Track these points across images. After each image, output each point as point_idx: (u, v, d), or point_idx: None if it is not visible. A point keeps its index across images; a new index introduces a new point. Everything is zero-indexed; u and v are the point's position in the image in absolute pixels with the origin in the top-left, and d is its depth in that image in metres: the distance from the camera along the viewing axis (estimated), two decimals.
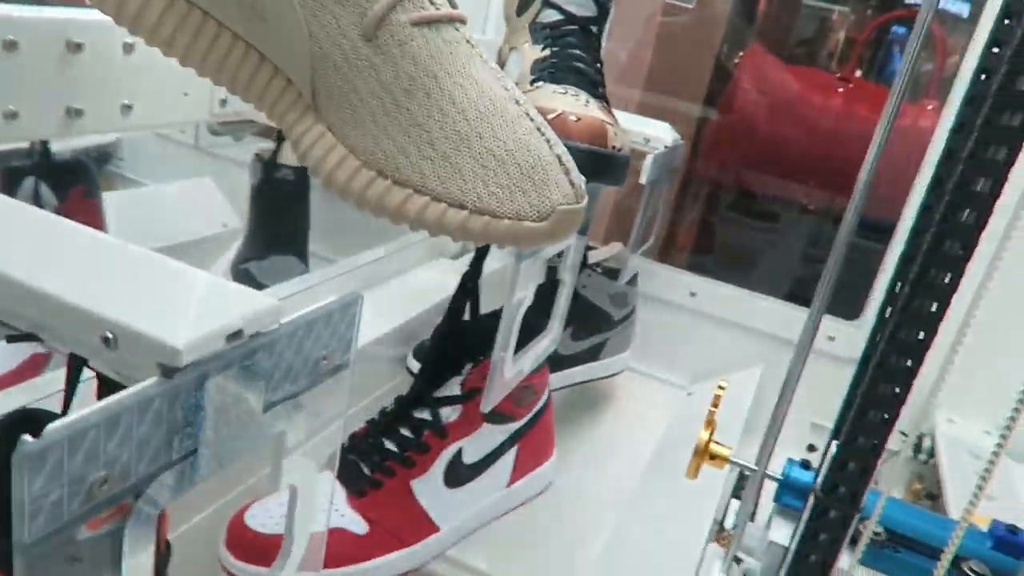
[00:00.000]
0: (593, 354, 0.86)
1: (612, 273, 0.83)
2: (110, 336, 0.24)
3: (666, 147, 0.75)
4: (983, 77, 0.41)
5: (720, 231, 1.34)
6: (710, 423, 0.49)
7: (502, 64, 0.65)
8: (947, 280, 0.36)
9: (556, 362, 0.82)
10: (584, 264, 0.83)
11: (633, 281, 0.86)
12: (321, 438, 0.34)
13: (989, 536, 0.47)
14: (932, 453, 0.86)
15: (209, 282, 0.26)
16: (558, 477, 0.70)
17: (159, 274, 0.26)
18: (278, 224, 0.89)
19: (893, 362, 0.37)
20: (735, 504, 0.58)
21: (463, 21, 0.36)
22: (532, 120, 0.35)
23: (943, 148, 0.47)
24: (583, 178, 0.36)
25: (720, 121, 1.23)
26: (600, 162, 0.53)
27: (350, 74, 0.34)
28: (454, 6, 0.36)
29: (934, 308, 0.37)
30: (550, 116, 0.53)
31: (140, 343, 0.23)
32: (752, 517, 0.53)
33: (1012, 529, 0.47)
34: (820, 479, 0.40)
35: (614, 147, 0.54)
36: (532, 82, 0.58)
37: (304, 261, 0.94)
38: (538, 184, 0.34)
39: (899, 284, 0.48)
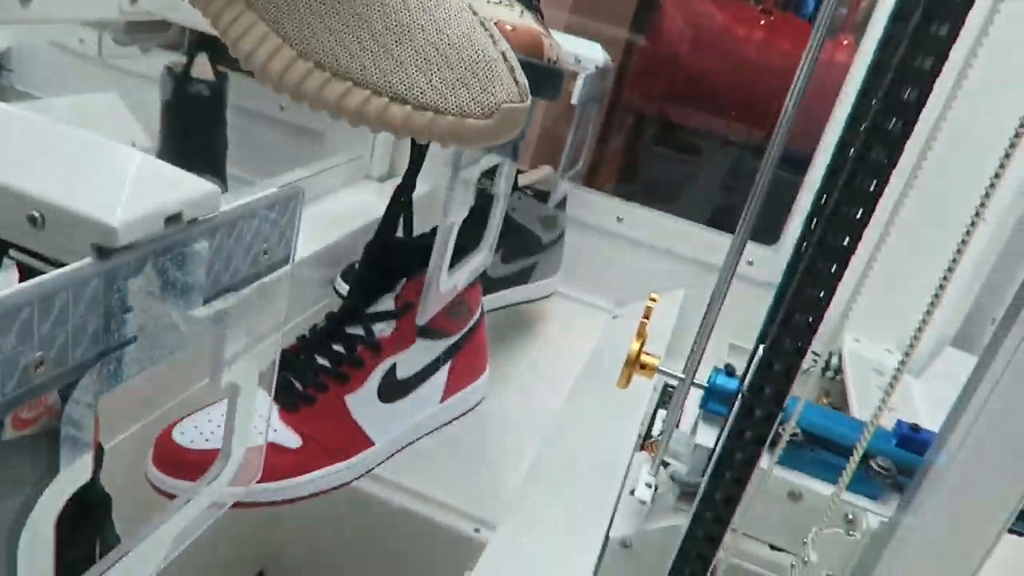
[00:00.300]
0: (523, 277, 0.86)
1: (542, 196, 0.83)
2: (37, 215, 0.22)
3: (597, 67, 0.75)
4: (898, 21, 0.42)
5: (644, 161, 1.36)
6: (641, 334, 0.50)
7: None
8: (859, 215, 0.38)
9: (486, 284, 0.82)
10: (514, 187, 0.83)
11: (562, 205, 0.87)
12: (258, 352, 0.33)
13: (894, 435, 0.51)
14: (839, 370, 0.91)
15: (146, 163, 0.25)
16: (488, 398, 0.71)
17: (92, 153, 0.25)
18: (192, 143, 0.85)
19: (819, 268, 0.39)
20: (661, 414, 0.60)
21: None
22: (475, 14, 0.34)
23: (859, 89, 0.48)
24: (525, 77, 0.35)
25: (646, 49, 1.23)
26: (536, 74, 0.52)
27: None
28: None
29: (846, 242, 0.38)
30: None
31: (72, 222, 0.22)
32: (677, 425, 0.55)
33: (914, 428, 0.50)
34: (747, 380, 0.42)
35: (549, 59, 0.54)
36: None
37: (222, 182, 0.90)
38: (482, 80, 0.33)
39: (815, 219, 0.50)
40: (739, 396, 0.43)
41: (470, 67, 0.33)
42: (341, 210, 0.88)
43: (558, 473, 0.64)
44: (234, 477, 0.33)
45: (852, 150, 0.38)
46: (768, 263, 0.92)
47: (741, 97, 1.19)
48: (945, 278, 0.39)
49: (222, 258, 0.27)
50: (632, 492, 0.53)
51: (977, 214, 0.38)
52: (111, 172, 0.24)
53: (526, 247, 0.84)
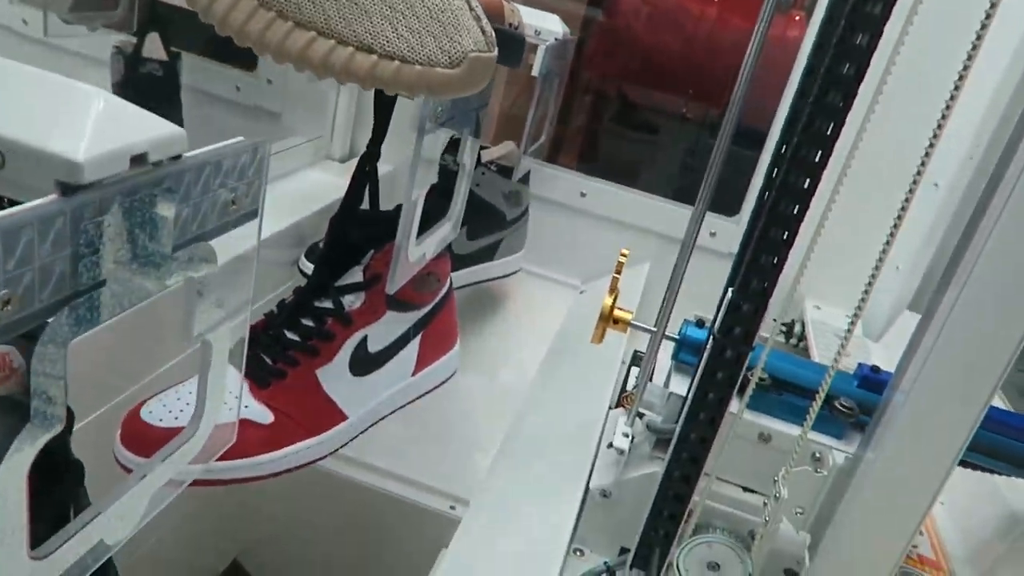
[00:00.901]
0: (489, 254, 0.86)
1: (505, 171, 0.83)
2: None
3: (557, 39, 0.75)
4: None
5: (605, 136, 1.36)
6: (614, 289, 0.50)
7: None
8: (806, 184, 0.39)
9: (453, 261, 0.82)
10: (477, 162, 0.82)
11: (526, 180, 0.87)
12: (228, 326, 0.32)
13: (855, 377, 0.52)
14: (802, 337, 0.93)
15: (111, 103, 0.24)
16: (458, 376, 0.71)
17: (55, 93, 0.24)
18: None
19: (782, 209, 0.40)
20: (635, 371, 0.61)
21: None
22: None
23: (805, 65, 0.49)
24: (491, 27, 0.35)
25: (603, 24, 1.24)
26: (498, 40, 0.52)
27: None
28: None
29: (796, 210, 0.40)
30: None
31: (35, 159, 0.21)
32: (650, 379, 0.56)
33: (874, 369, 0.52)
34: (718, 323, 0.43)
35: (510, 24, 0.53)
36: None
37: None
38: (448, 29, 0.33)
39: (767, 190, 0.51)
40: (710, 338, 0.44)
41: (436, 16, 0.33)
42: (302, 191, 0.87)
43: (532, 442, 0.64)
44: (198, 453, 0.32)
45: (799, 124, 0.39)
46: (730, 234, 0.94)
47: (696, 74, 1.20)
48: (887, 243, 0.40)
49: (190, 205, 0.26)
50: (610, 445, 0.54)
51: (915, 182, 0.39)
52: (75, 111, 0.23)
53: (491, 223, 0.84)
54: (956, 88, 0.40)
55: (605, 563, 0.54)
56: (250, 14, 0.32)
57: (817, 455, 0.50)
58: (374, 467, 0.70)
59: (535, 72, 0.72)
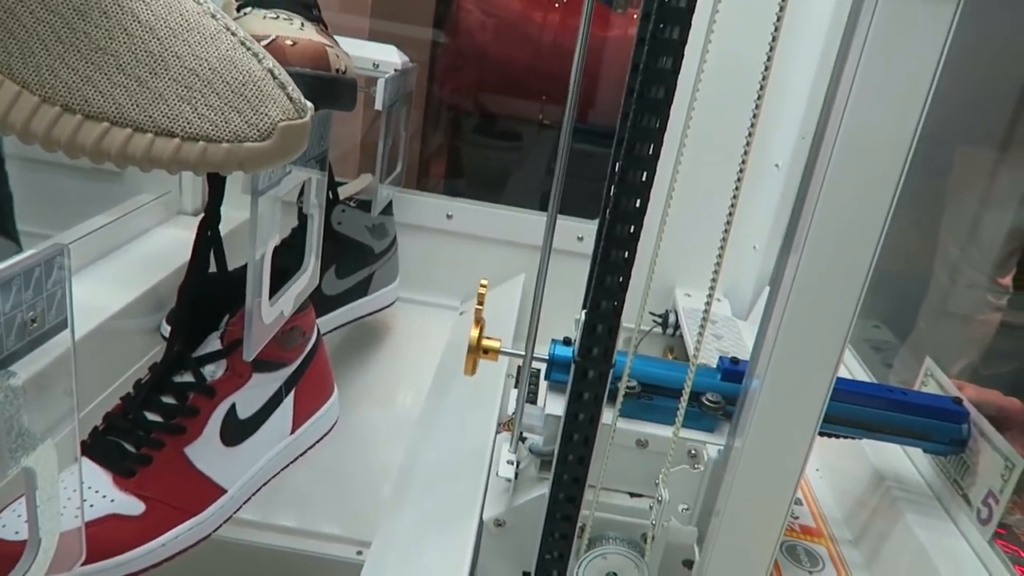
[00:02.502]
0: (361, 290, 0.85)
1: (365, 205, 0.82)
2: None
3: (396, 70, 0.75)
4: None
5: (468, 155, 1.37)
6: (478, 321, 0.51)
7: None
8: (643, 178, 0.40)
9: (325, 303, 0.80)
10: (336, 200, 0.81)
11: (388, 210, 0.86)
12: (48, 449, 0.30)
13: (718, 370, 0.54)
14: (678, 326, 0.96)
15: None
16: (345, 416, 0.69)
17: None
18: None
19: (618, 232, 0.41)
20: (514, 393, 0.61)
21: None
22: (235, 35, 0.33)
23: (631, 61, 0.51)
24: (300, 93, 0.34)
25: (449, 44, 1.24)
26: (324, 87, 0.51)
27: None
28: None
29: (637, 204, 0.41)
30: (263, 43, 0.50)
31: None
32: (534, 400, 0.57)
33: (734, 360, 0.54)
34: (576, 345, 0.44)
35: (337, 70, 0.53)
36: (239, 8, 0.54)
37: (14, 241, 0.82)
38: (252, 102, 0.32)
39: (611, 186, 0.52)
40: (572, 363, 0.44)
41: (237, 90, 0.32)
42: (156, 251, 0.84)
43: (425, 475, 0.64)
44: (50, 566, 0.30)
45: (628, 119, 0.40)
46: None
47: (545, 79, 1.23)
48: (727, 225, 0.42)
49: None
50: (498, 474, 0.54)
51: (741, 168, 0.41)
52: None
53: (359, 259, 0.83)
54: (766, 70, 0.42)
55: None
56: (33, 111, 0.30)
57: (692, 452, 0.52)
58: (272, 525, 0.67)
59: (378, 105, 0.72)
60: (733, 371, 0.53)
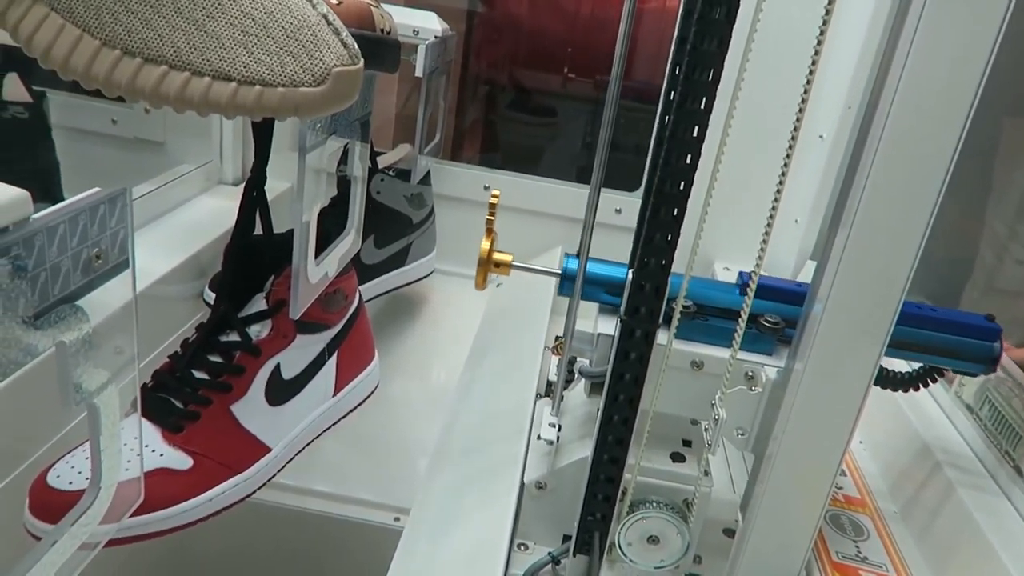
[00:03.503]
0: (399, 260, 0.85)
1: (404, 175, 0.82)
2: None
3: (436, 37, 0.74)
4: None
5: (504, 129, 1.37)
6: (490, 232, 0.51)
7: None
8: (695, 133, 0.39)
9: (363, 272, 0.81)
10: (375, 169, 0.81)
11: (427, 180, 0.86)
12: (113, 389, 0.31)
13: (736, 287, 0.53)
14: None
15: None
16: (383, 386, 0.70)
17: None
18: (17, 171, 0.79)
19: (668, 188, 0.40)
20: (555, 361, 0.61)
21: None
22: None
23: (676, 35, 0.50)
24: (352, 39, 0.34)
25: (485, 14, 1.24)
26: (369, 46, 0.51)
27: None
28: None
29: (681, 185, 0.40)
30: None
31: None
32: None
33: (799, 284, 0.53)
34: (623, 306, 0.44)
35: (382, 30, 0.52)
36: None
37: None
38: (307, 47, 0.32)
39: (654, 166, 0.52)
40: (619, 321, 0.44)
41: (292, 34, 0.32)
42: (198, 219, 0.84)
43: (465, 442, 0.64)
44: (107, 512, 0.31)
45: (680, 72, 0.39)
46: (635, 209, 0.95)
47: (583, 52, 1.21)
48: (776, 199, 0.41)
49: (48, 268, 0.25)
50: (539, 437, 0.54)
51: (793, 138, 0.40)
52: None
53: (398, 229, 0.83)
54: (819, 44, 0.41)
55: (549, 553, 0.54)
56: (94, 55, 0.31)
57: (750, 374, 0.50)
58: (312, 491, 0.68)
59: (418, 72, 0.72)
60: (795, 292, 0.51)
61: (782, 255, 0.94)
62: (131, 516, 0.49)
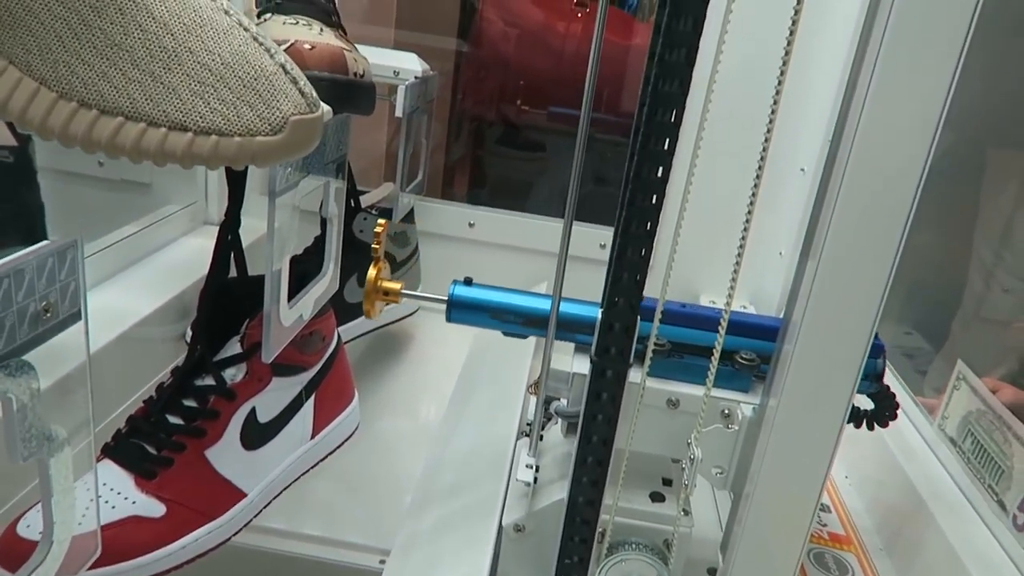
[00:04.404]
0: None
1: (386, 213, 0.82)
2: None
3: (417, 77, 0.75)
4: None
5: (492, 164, 1.38)
6: (377, 261, 0.51)
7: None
8: (659, 174, 0.40)
9: (347, 311, 0.80)
10: (358, 208, 0.81)
11: (410, 218, 0.86)
12: (68, 430, 0.30)
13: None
14: None
15: None
16: (369, 425, 0.69)
17: None
18: (2, 214, 0.79)
19: (633, 229, 0.40)
20: (533, 400, 0.60)
21: None
22: (247, 30, 0.33)
23: (643, 75, 0.51)
24: (312, 88, 0.35)
25: (471, 54, 1.25)
26: (342, 90, 0.52)
27: None
28: None
29: (653, 200, 0.40)
30: (282, 47, 0.50)
31: None
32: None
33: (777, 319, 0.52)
34: (593, 346, 0.43)
35: (355, 73, 0.53)
36: (259, 15, 0.55)
37: None
38: (264, 96, 0.32)
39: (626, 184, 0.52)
40: (590, 361, 0.44)
41: (249, 84, 0.32)
42: (183, 259, 0.85)
43: (446, 483, 0.64)
44: (62, 566, 0.30)
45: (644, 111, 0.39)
46: None
47: (568, 89, 1.23)
48: (745, 230, 0.41)
49: None
50: (516, 477, 0.53)
51: (758, 174, 0.41)
52: None
53: None
54: (782, 74, 0.42)
55: None
56: (50, 107, 0.31)
57: (726, 411, 0.50)
58: (297, 534, 0.67)
59: (398, 112, 0.72)
60: (770, 327, 0.50)
61: (768, 288, 0.94)
62: (102, 567, 0.48)
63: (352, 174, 0.83)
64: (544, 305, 0.54)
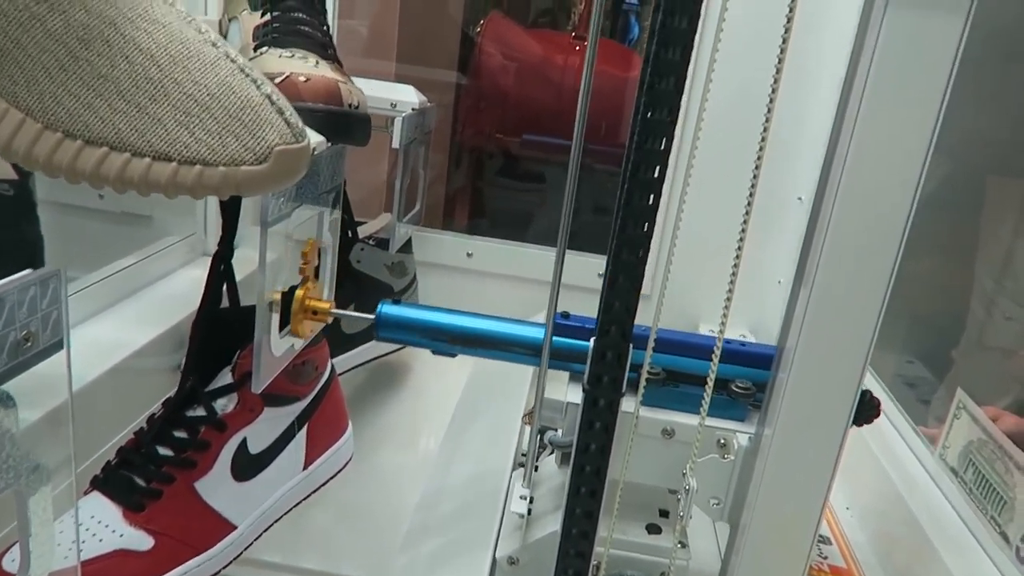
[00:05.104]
0: None
1: (384, 243, 0.82)
2: None
3: (414, 109, 0.76)
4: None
5: (491, 195, 1.38)
6: (305, 280, 0.51)
7: (224, 36, 0.62)
8: (649, 202, 0.40)
9: (344, 341, 0.80)
10: (355, 239, 0.82)
11: (407, 248, 0.86)
12: (48, 463, 0.30)
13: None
14: None
15: None
16: (366, 457, 0.69)
17: None
18: (3, 247, 0.79)
19: (625, 257, 0.40)
20: (528, 430, 0.60)
21: None
22: (234, 61, 0.33)
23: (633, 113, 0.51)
24: (298, 118, 0.35)
25: (470, 86, 1.26)
26: (337, 121, 0.52)
27: (9, 28, 0.30)
28: None
29: (644, 228, 0.40)
30: (277, 80, 0.51)
31: None
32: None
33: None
34: (585, 375, 0.43)
35: (350, 105, 0.53)
36: (256, 48, 0.56)
37: None
38: (250, 126, 0.32)
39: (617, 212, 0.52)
40: (583, 390, 0.43)
41: (235, 115, 0.32)
42: (181, 290, 0.85)
43: (440, 515, 0.63)
44: None
45: (633, 140, 0.39)
46: None
47: (567, 121, 1.23)
48: (738, 257, 0.41)
49: None
50: (510, 509, 0.53)
51: (748, 205, 0.41)
52: None
53: (378, 297, 0.82)
54: (771, 102, 0.42)
55: None
56: (35, 138, 0.31)
57: (722, 441, 0.49)
58: (293, 567, 0.66)
59: (395, 144, 0.73)
60: (765, 356, 0.50)
61: (768, 317, 0.93)
62: None
63: (350, 204, 0.83)
64: (472, 324, 0.54)
